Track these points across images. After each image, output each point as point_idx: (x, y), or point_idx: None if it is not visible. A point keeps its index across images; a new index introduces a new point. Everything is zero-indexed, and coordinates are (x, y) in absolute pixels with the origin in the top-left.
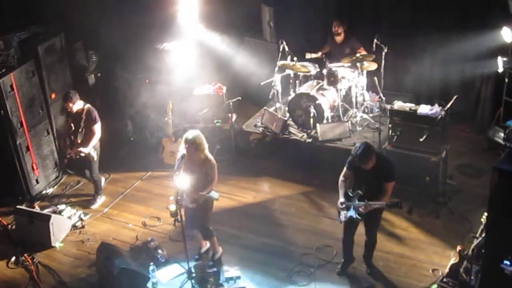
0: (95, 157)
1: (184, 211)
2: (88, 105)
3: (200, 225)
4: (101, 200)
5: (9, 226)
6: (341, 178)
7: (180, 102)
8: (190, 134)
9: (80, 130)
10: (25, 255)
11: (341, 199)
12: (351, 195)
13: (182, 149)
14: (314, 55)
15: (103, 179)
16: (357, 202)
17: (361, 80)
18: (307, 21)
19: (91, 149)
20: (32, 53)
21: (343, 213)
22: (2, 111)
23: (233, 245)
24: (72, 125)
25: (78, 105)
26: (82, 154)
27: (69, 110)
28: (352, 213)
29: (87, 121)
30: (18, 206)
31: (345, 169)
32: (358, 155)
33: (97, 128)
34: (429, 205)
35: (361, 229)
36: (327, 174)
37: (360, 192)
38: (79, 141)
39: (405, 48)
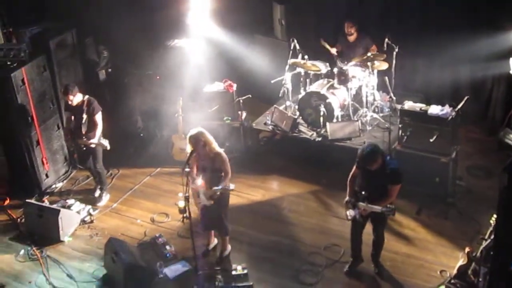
0: (108, 146)
1: (200, 211)
2: (87, 96)
3: (218, 223)
4: (106, 197)
5: (19, 220)
6: (350, 176)
7: (190, 99)
8: (192, 133)
9: (83, 122)
10: (34, 248)
11: (347, 198)
12: (358, 194)
13: (188, 148)
14: (328, 46)
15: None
16: (360, 203)
17: (372, 80)
18: (319, 19)
19: (101, 138)
20: (44, 48)
21: (348, 211)
22: (20, 107)
23: (241, 243)
24: (72, 118)
25: (78, 98)
26: (93, 145)
27: (69, 103)
28: (356, 212)
29: (89, 112)
30: (27, 200)
31: (354, 167)
32: (363, 156)
33: (99, 117)
34: (438, 206)
35: (368, 228)
36: (336, 173)
37: (365, 193)
38: (84, 132)
39: (416, 48)
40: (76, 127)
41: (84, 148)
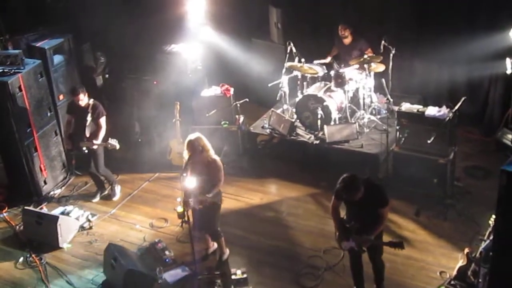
0: (117, 146)
1: (192, 213)
2: (92, 100)
3: (208, 227)
4: (118, 189)
5: (17, 227)
6: (331, 208)
7: (188, 104)
8: (190, 138)
9: (87, 124)
10: (33, 255)
11: (337, 232)
12: (347, 225)
13: (185, 154)
14: (323, 61)
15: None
16: (355, 235)
17: (369, 82)
18: (315, 22)
19: (109, 139)
20: (40, 54)
21: (343, 243)
22: (17, 114)
23: (240, 247)
24: (73, 121)
25: (85, 99)
26: (95, 147)
27: (79, 102)
28: (352, 244)
29: (93, 115)
30: (26, 207)
31: (333, 199)
32: (344, 189)
33: (103, 121)
34: (436, 207)
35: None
36: (334, 175)
37: (356, 224)
38: (87, 136)
39: (412, 50)
40: (78, 130)
41: (86, 151)
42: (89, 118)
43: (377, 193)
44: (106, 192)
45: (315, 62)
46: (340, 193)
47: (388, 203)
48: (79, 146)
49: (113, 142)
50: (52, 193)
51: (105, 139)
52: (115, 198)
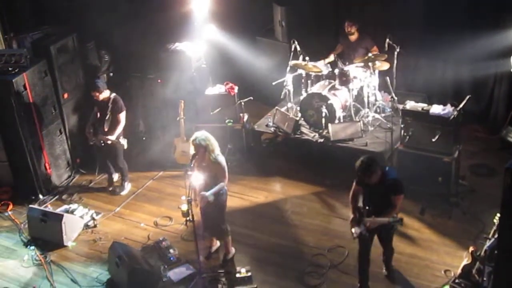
0: (125, 145)
1: (200, 214)
2: (114, 94)
3: (215, 225)
4: (128, 186)
5: (22, 225)
6: (351, 193)
7: (192, 102)
8: (197, 136)
9: (106, 118)
10: (38, 253)
11: (351, 215)
12: (361, 210)
13: (191, 151)
14: (327, 60)
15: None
16: (365, 218)
17: (373, 80)
18: (319, 20)
19: (121, 137)
20: (45, 53)
21: (353, 229)
22: (22, 112)
23: (244, 245)
24: (98, 113)
25: (105, 94)
26: (109, 142)
27: (95, 98)
28: (362, 228)
29: (113, 109)
30: (30, 205)
31: (354, 184)
32: (362, 168)
33: (122, 116)
34: (441, 205)
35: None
36: (338, 174)
37: (368, 207)
38: (106, 129)
39: (417, 48)
40: (99, 122)
41: (103, 144)
42: (108, 112)
43: (394, 181)
44: (111, 188)
45: (319, 62)
46: (357, 174)
47: (403, 192)
48: (97, 138)
49: (122, 141)
50: (56, 191)
51: (117, 136)
52: (123, 193)
